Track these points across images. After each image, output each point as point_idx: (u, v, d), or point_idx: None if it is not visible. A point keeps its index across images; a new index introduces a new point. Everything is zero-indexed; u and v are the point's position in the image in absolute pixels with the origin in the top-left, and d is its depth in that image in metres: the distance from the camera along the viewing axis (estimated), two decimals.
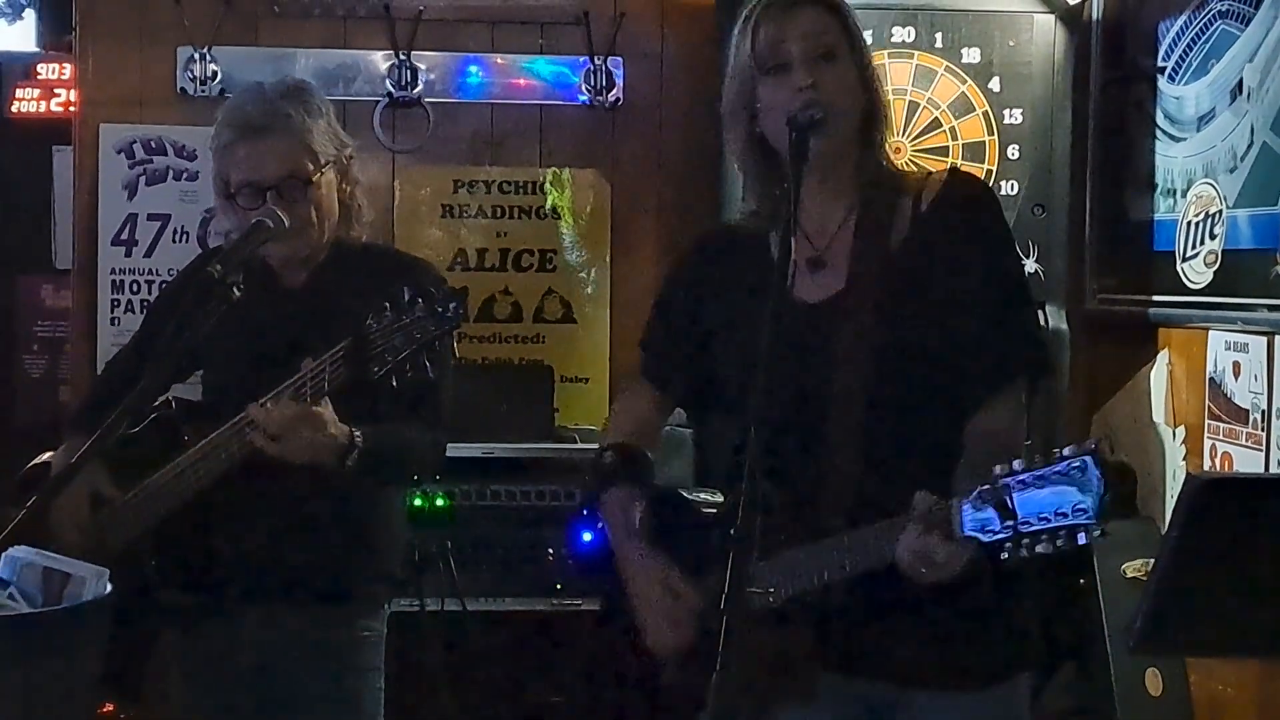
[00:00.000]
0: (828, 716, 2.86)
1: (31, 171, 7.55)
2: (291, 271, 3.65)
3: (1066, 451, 2.46)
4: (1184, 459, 4.72)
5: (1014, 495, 2.48)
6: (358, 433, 3.39)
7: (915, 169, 4.77)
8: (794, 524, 2.75)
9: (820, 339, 2.83)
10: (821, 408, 2.81)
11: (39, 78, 7.70)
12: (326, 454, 3.36)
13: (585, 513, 3.36)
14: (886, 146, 2.99)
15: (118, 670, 3.56)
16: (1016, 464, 2.50)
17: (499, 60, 5.43)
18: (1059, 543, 2.45)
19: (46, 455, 3.81)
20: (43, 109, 7.68)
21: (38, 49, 6.88)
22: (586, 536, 4.54)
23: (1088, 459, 2.43)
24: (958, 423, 2.83)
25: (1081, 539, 2.43)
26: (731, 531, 2.41)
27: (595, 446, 3.23)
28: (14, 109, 7.72)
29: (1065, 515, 2.44)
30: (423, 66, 5.38)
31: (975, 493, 2.54)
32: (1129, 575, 4.54)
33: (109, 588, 2.67)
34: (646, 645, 2.94)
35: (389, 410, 3.46)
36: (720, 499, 3.07)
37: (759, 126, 2.91)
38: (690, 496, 3.16)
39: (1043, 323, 3.01)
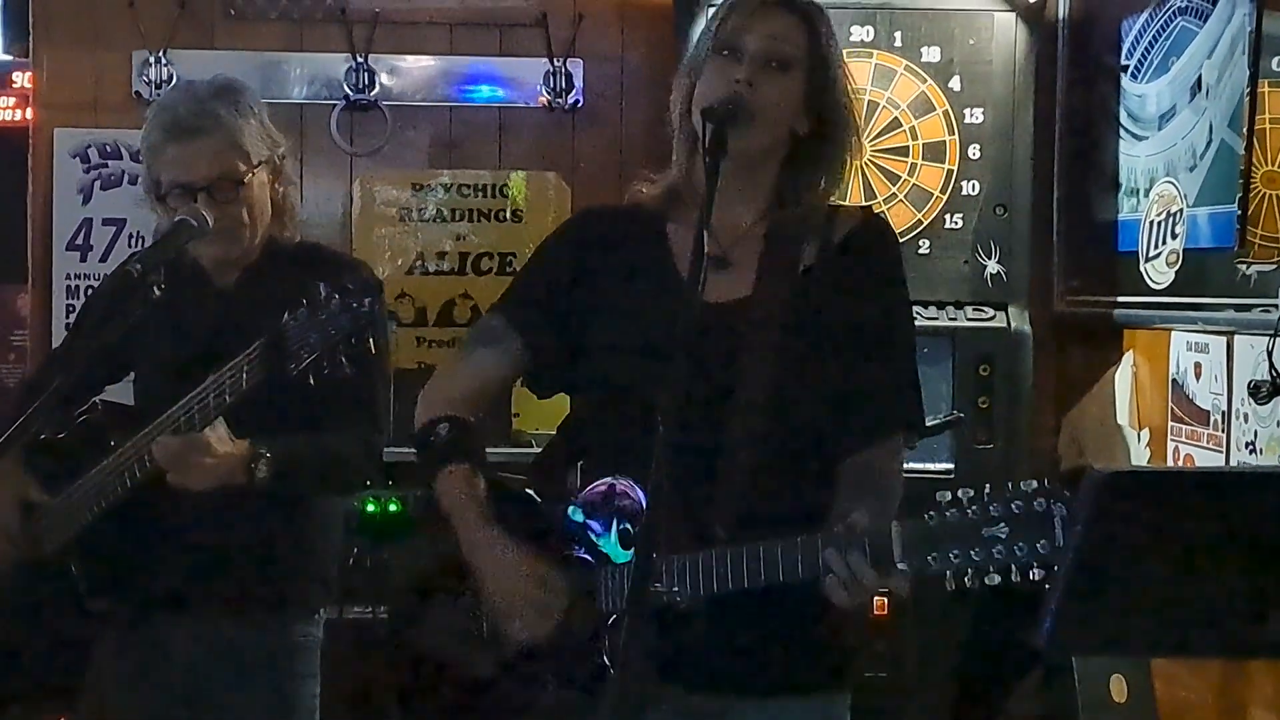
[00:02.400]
0: None
1: (5, 180, 7.52)
2: (223, 272, 3.60)
3: (1026, 486, 2.40)
4: (1149, 461, 4.67)
5: (963, 525, 2.42)
6: (261, 446, 3.32)
7: (876, 170, 4.80)
8: (689, 533, 2.67)
9: (720, 340, 2.76)
10: (715, 410, 2.74)
11: (14, 86, 7.66)
12: (229, 475, 3.29)
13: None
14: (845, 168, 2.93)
15: (54, 677, 3.54)
16: (962, 493, 2.44)
17: (457, 62, 5.40)
18: (1012, 576, 2.39)
19: None
20: (18, 117, 7.63)
21: (6, 56, 6.82)
22: None
23: (1057, 504, 2.38)
24: (836, 454, 2.81)
25: (1035, 574, 2.38)
26: (633, 529, 2.36)
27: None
28: None
29: (1024, 551, 2.38)
30: (380, 70, 5.34)
31: (917, 520, 2.47)
32: None
33: None
34: (508, 635, 2.79)
35: (314, 415, 3.40)
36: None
37: (694, 107, 2.83)
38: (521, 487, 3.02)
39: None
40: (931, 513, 2.45)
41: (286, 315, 3.07)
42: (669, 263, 2.87)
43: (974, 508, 2.41)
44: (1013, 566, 2.39)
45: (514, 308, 3.03)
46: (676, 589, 2.63)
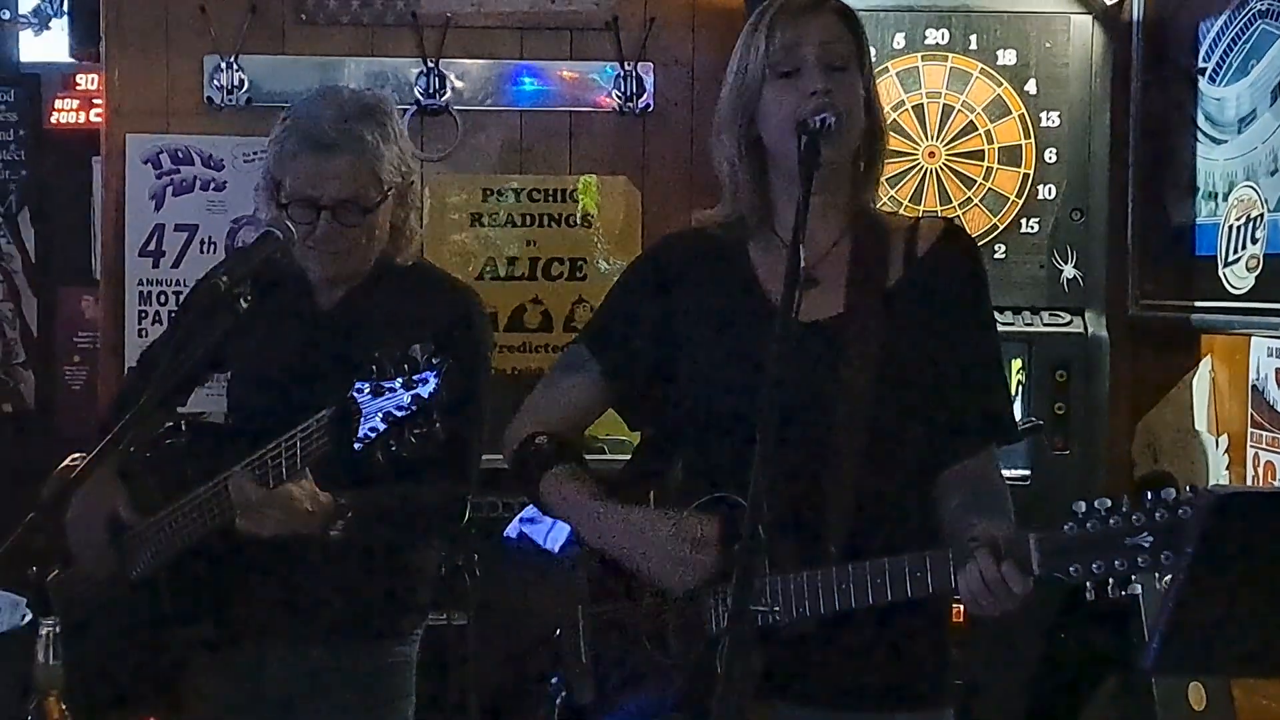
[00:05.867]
0: None
1: (71, 182, 7.57)
2: (328, 290, 3.54)
3: (1166, 495, 2.42)
4: (1227, 468, 4.64)
5: (1105, 535, 2.45)
6: (344, 500, 3.26)
7: (951, 174, 4.76)
8: (801, 552, 2.68)
9: (814, 359, 2.76)
10: (812, 428, 2.74)
11: (78, 89, 7.70)
12: (302, 528, 3.23)
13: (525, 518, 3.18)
14: (880, 171, 2.95)
15: (144, 699, 3.53)
16: (1098, 504, 2.47)
17: (527, 66, 5.40)
18: (1156, 580, 2.43)
19: (77, 456, 3.75)
20: (82, 120, 7.68)
21: (73, 60, 6.84)
22: None
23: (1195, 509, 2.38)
24: (934, 466, 2.83)
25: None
26: (735, 547, 2.36)
27: (625, 457, 3.12)
28: (53, 120, 7.74)
29: (1169, 558, 2.39)
30: (451, 74, 5.33)
31: (1053, 530, 2.51)
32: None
33: (27, 616, 2.60)
34: (673, 589, 2.78)
35: (398, 471, 3.23)
36: None
37: (758, 130, 2.84)
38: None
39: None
40: (1071, 524, 2.48)
41: (356, 386, 2.99)
42: (755, 283, 2.86)
43: (1115, 518, 2.44)
44: (1157, 577, 2.42)
45: (596, 338, 3.05)
46: (778, 608, 2.63)
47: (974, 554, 2.55)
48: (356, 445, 2.98)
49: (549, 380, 3.10)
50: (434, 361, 2.96)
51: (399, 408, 2.95)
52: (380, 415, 2.96)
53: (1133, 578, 2.44)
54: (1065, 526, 2.49)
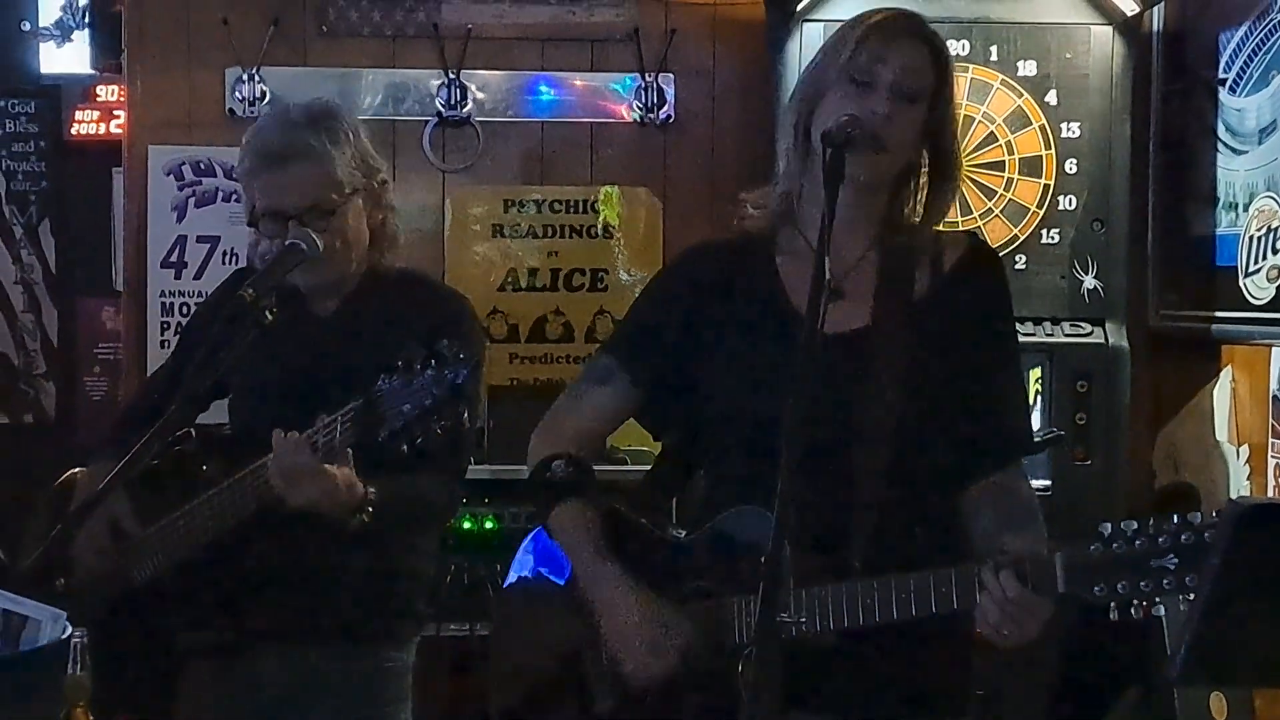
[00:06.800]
0: None
1: (91, 193, 7.59)
2: (322, 300, 3.58)
3: (1192, 519, 2.44)
4: (1248, 479, 4.63)
5: (1131, 556, 2.47)
6: (372, 491, 3.30)
7: (972, 185, 4.76)
8: (824, 565, 2.69)
9: (839, 371, 2.77)
10: (837, 441, 2.75)
11: (98, 100, 7.72)
12: (329, 509, 3.27)
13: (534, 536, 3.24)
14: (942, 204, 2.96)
15: (142, 707, 3.55)
16: (1124, 525, 2.48)
17: (548, 78, 5.40)
18: (1181, 604, 2.44)
19: (77, 470, 3.77)
20: (102, 131, 7.70)
21: (94, 71, 6.87)
22: None
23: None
24: (960, 481, 2.85)
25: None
26: (762, 559, 2.37)
27: (646, 467, 3.14)
28: (74, 131, 7.75)
29: (1193, 581, 2.40)
30: (472, 85, 5.34)
31: (1079, 550, 2.51)
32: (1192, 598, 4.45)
33: (67, 629, 2.61)
34: (623, 676, 2.83)
35: (404, 461, 3.29)
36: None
37: (813, 128, 2.84)
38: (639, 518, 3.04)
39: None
40: (1097, 545, 2.49)
41: (381, 379, 3.07)
42: (782, 294, 2.88)
43: (1140, 540, 2.46)
44: (1181, 598, 2.43)
45: (624, 348, 3.07)
46: (804, 620, 2.63)
47: (998, 573, 2.55)
48: (384, 435, 3.06)
49: (575, 389, 3.12)
50: (461, 356, 3.03)
51: (429, 398, 3.02)
52: (409, 406, 3.03)
53: (1157, 600, 2.46)
54: (1091, 547, 2.50)
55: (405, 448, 3.06)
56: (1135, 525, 2.47)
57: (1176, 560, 2.42)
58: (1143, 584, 2.44)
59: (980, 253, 2.99)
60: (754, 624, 2.55)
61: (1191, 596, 2.37)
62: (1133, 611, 2.47)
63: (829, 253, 2.57)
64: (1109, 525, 2.49)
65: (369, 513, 3.31)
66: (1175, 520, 2.44)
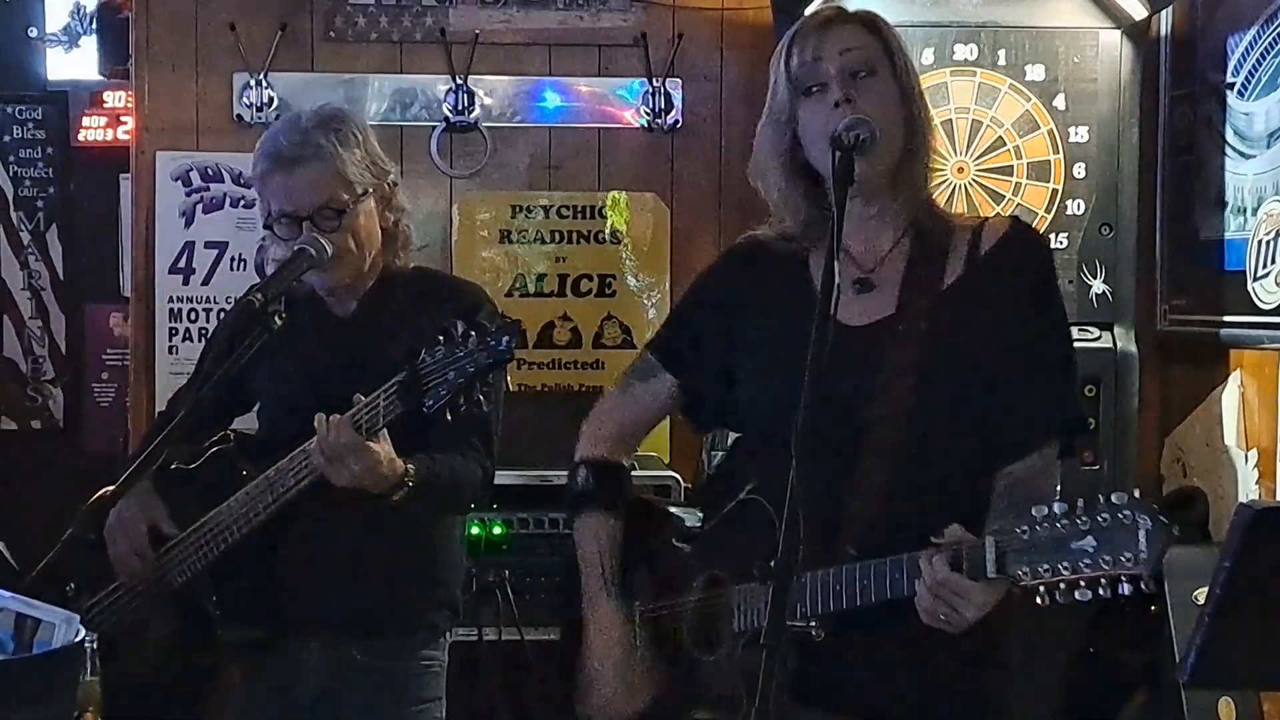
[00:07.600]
0: None
1: (99, 199, 7.60)
2: (339, 301, 3.65)
3: (1116, 499, 2.41)
4: (1257, 483, 4.63)
5: (1054, 538, 2.45)
6: (412, 467, 3.37)
7: (980, 189, 4.77)
8: (823, 553, 2.69)
9: (862, 363, 2.77)
10: (858, 433, 2.76)
11: (105, 106, 7.73)
12: (372, 486, 3.34)
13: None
14: (930, 170, 2.95)
15: (183, 703, 3.57)
16: (1057, 507, 2.46)
17: (556, 83, 5.41)
18: (1100, 590, 2.41)
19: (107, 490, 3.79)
20: (109, 137, 7.71)
21: (101, 77, 6.87)
22: None
23: (1143, 516, 2.37)
24: (989, 469, 2.82)
25: (1125, 589, 2.39)
26: (771, 563, 2.39)
27: (652, 472, 3.20)
28: (81, 137, 7.76)
29: (1109, 563, 2.39)
30: (480, 91, 5.34)
31: (1011, 532, 2.50)
32: (1201, 602, 4.44)
33: (81, 632, 2.63)
34: (587, 702, 2.99)
35: (442, 438, 3.46)
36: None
37: (801, 152, 2.88)
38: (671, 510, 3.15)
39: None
40: (1025, 526, 2.48)
41: (424, 351, 3.15)
42: (811, 292, 2.87)
43: (1064, 521, 2.44)
44: (1101, 581, 2.40)
45: (666, 344, 3.16)
46: (814, 623, 2.64)
47: (932, 559, 2.56)
48: (429, 404, 3.16)
49: (623, 386, 3.22)
50: (501, 326, 3.17)
51: (472, 365, 3.13)
52: (453, 373, 3.14)
53: (1080, 584, 2.42)
54: (1021, 529, 2.48)
55: (449, 416, 3.16)
56: (1066, 507, 2.45)
57: (1095, 543, 2.40)
58: (1062, 566, 2.43)
59: (1018, 233, 2.95)
60: (758, 623, 2.58)
61: (1125, 584, 2.35)
62: (1059, 597, 2.44)
63: (850, 249, 2.60)
64: (1044, 508, 2.47)
65: (410, 488, 3.37)
66: (1098, 501, 2.41)
